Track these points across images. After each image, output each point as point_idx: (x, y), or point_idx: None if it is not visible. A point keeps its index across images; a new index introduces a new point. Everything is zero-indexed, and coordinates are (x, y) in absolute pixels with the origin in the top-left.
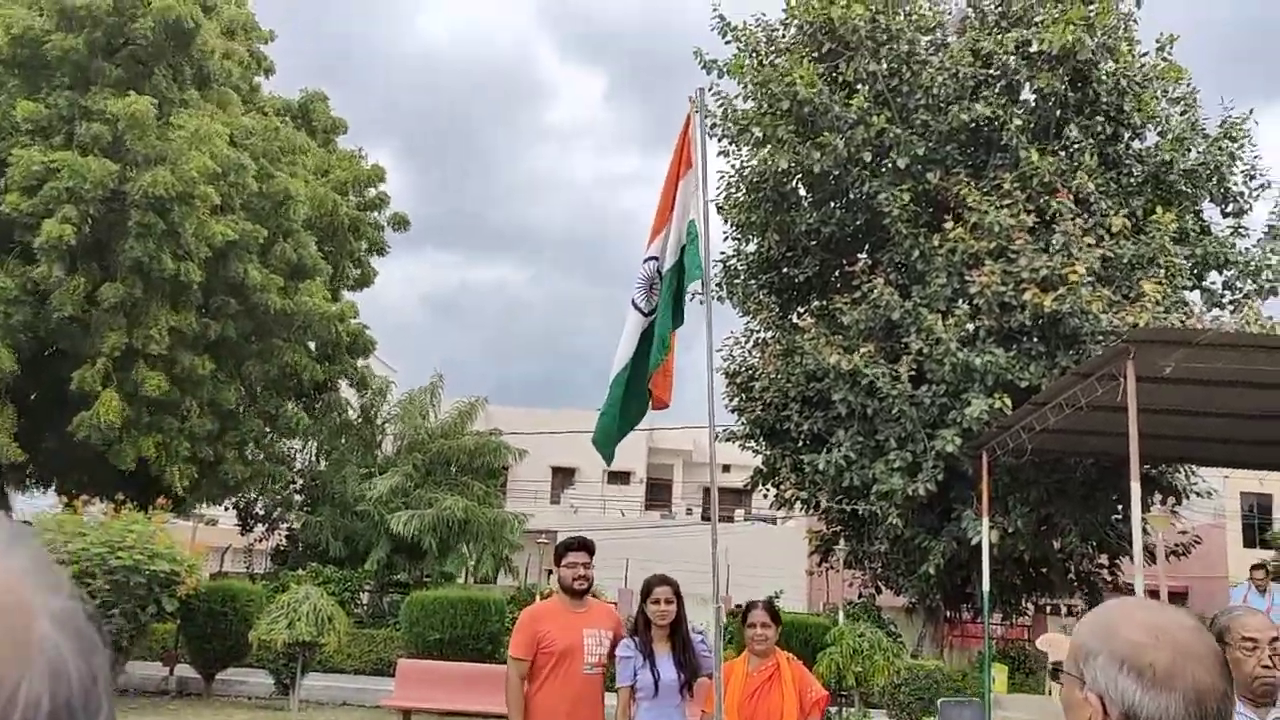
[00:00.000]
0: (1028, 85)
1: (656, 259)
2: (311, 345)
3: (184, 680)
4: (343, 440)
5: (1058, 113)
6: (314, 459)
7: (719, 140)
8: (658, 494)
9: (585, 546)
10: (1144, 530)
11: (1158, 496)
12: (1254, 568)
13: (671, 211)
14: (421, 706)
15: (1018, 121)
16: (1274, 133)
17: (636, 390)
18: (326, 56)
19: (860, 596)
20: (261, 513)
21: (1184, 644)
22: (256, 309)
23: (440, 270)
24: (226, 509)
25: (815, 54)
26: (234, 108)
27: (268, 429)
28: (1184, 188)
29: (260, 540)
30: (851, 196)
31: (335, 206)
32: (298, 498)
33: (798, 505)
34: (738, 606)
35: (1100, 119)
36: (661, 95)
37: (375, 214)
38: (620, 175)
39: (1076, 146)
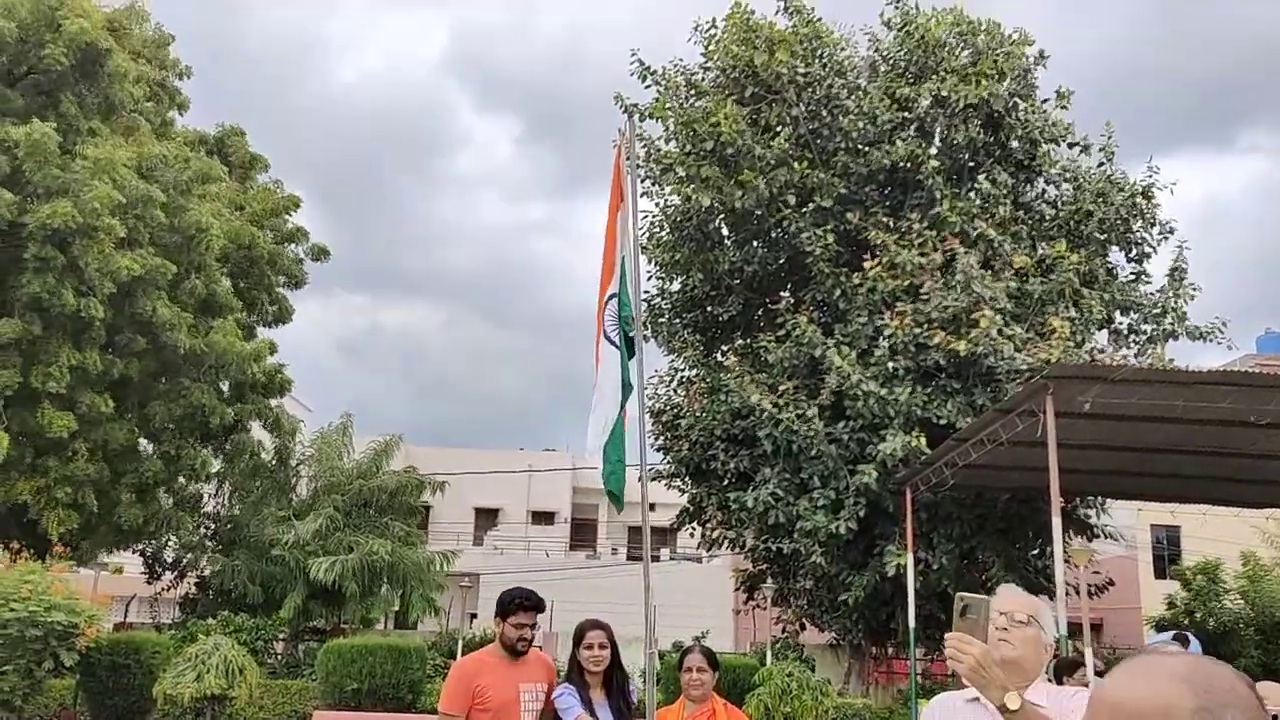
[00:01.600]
0: (941, 131)
1: (617, 296)
2: (225, 385)
3: None
4: (257, 483)
5: (967, 156)
6: (226, 502)
7: (643, 180)
8: (582, 534)
9: (537, 606)
10: (1066, 564)
11: (1072, 532)
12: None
13: (615, 247)
14: None
15: (933, 163)
16: (1196, 175)
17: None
18: (234, 102)
19: (784, 633)
20: (170, 559)
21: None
22: (165, 348)
23: (351, 314)
24: (135, 553)
25: (737, 97)
26: (142, 134)
27: (169, 471)
28: (1095, 234)
29: (168, 589)
30: (774, 236)
31: (253, 240)
32: (209, 543)
33: (724, 544)
34: (662, 651)
35: (1012, 167)
36: (575, 143)
37: (293, 246)
38: (531, 221)
39: (990, 195)
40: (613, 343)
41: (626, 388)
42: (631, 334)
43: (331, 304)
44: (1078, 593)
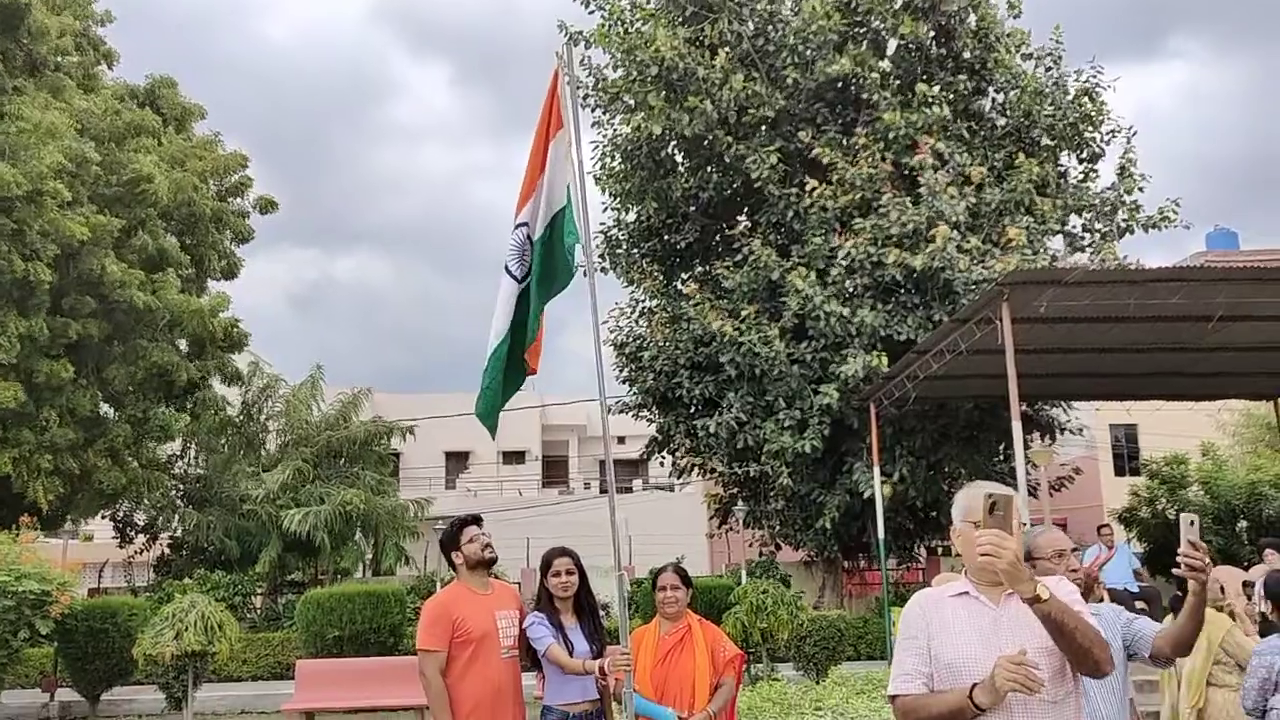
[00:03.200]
0: (892, 38)
1: (526, 225)
2: (182, 343)
3: (66, 705)
4: (224, 440)
5: (919, 68)
6: (194, 461)
7: (592, 110)
8: (554, 471)
9: (477, 520)
10: (1028, 466)
11: (1036, 434)
12: (1100, 527)
13: (541, 175)
14: (324, 707)
15: (875, 75)
16: (1125, 84)
17: (515, 359)
18: (162, 66)
19: (760, 555)
20: (142, 522)
21: None
22: (117, 307)
23: (301, 268)
24: (104, 518)
25: (680, 18)
26: (69, 93)
27: (137, 434)
28: (1045, 140)
29: (141, 552)
30: (726, 160)
31: (196, 194)
32: (180, 503)
33: (694, 471)
34: (639, 579)
35: (963, 75)
36: (515, 85)
37: (239, 200)
38: (475, 166)
39: (933, 102)
40: (510, 274)
41: (520, 326)
42: (578, 265)
43: (281, 260)
44: (1034, 494)
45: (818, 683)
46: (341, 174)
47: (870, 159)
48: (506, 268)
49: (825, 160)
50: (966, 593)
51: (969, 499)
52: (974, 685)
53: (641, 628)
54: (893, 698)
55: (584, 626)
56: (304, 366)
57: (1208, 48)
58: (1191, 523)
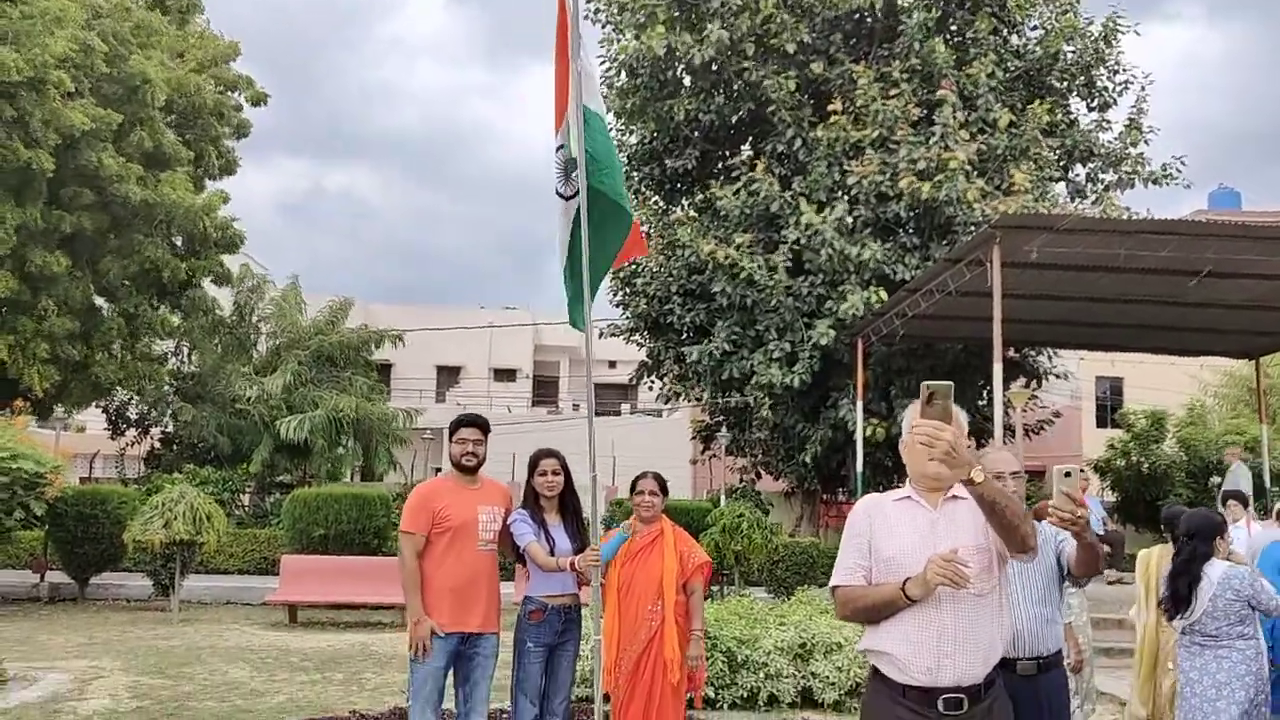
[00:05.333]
0: None
1: (564, 146)
2: (177, 240)
3: (56, 586)
4: (216, 340)
5: (954, 6)
6: (187, 359)
7: (601, 28)
8: (544, 390)
9: (477, 423)
10: (1006, 410)
11: (1021, 380)
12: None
13: (568, 97)
14: (307, 600)
15: (921, 15)
16: (1145, 36)
17: (582, 267)
18: None
19: (741, 482)
20: (134, 416)
21: None
22: (113, 201)
23: (292, 178)
24: (99, 407)
25: None
26: None
27: (131, 329)
28: (1055, 83)
29: (133, 445)
30: (735, 87)
31: (198, 89)
32: (172, 399)
33: (681, 397)
34: (620, 500)
35: (991, 18)
36: (508, 3)
37: (235, 94)
38: (471, 85)
39: (972, 38)
40: (560, 194)
41: (576, 234)
42: (576, 180)
43: (271, 168)
44: (1011, 435)
45: (785, 602)
46: (336, 87)
47: (899, 98)
48: (557, 191)
49: (859, 85)
50: (909, 497)
51: (914, 409)
52: (907, 579)
53: (616, 529)
54: (834, 588)
55: (567, 525)
56: (290, 270)
57: (1205, 7)
58: (1067, 474)
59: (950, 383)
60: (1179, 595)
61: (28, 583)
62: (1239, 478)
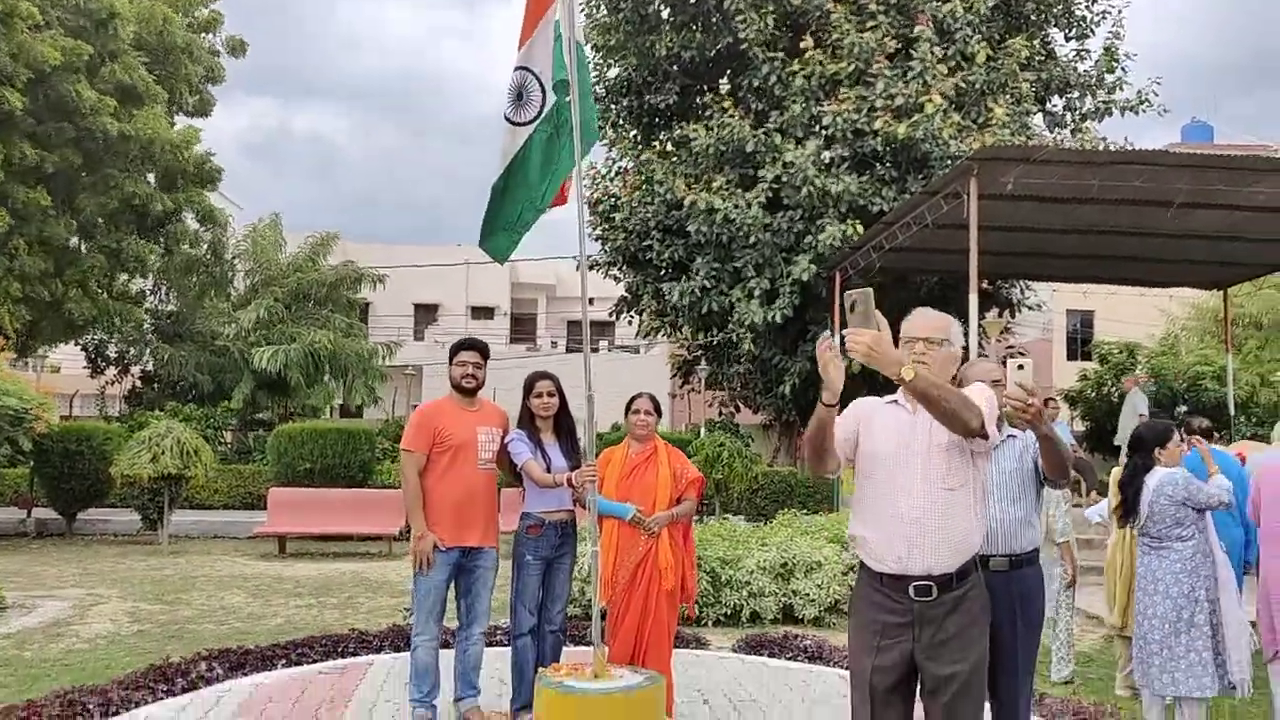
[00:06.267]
0: None
1: (525, 68)
2: (151, 177)
3: (43, 522)
4: (193, 278)
5: None
6: (164, 297)
7: None
8: (522, 327)
9: (477, 347)
10: (981, 341)
11: (995, 311)
12: (1047, 400)
13: (542, 18)
14: (295, 532)
15: None
16: None
17: (524, 194)
18: None
19: (720, 415)
20: (113, 355)
21: None
22: (89, 135)
23: (257, 117)
24: (78, 344)
25: None
26: None
27: (111, 266)
28: (1033, 15)
29: (112, 383)
30: (713, 20)
31: (166, 23)
32: (151, 338)
33: (660, 332)
34: (601, 433)
35: None
36: None
37: (209, 36)
38: (443, 27)
39: None
40: (509, 120)
41: (518, 160)
42: (528, 106)
43: (234, 107)
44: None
45: (767, 525)
46: (302, 24)
47: (876, 30)
48: (505, 115)
49: (832, 20)
50: (896, 401)
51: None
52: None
53: (612, 448)
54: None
55: (562, 444)
56: (265, 210)
57: None
58: (1020, 367)
59: (870, 289)
60: (1126, 504)
61: (15, 519)
62: (1137, 403)
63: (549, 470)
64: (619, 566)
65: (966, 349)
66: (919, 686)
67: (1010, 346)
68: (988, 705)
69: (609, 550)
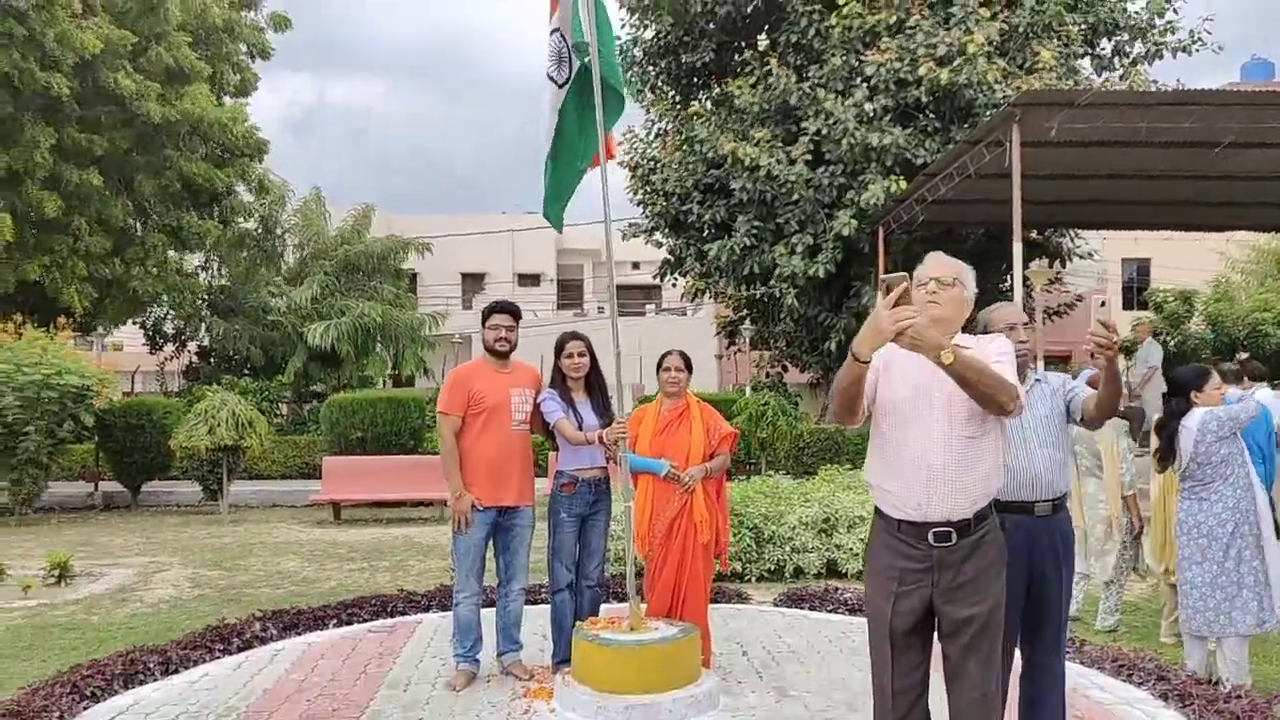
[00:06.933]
0: None
1: (559, 30)
2: (202, 152)
3: (109, 495)
4: (244, 253)
5: None
6: (216, 273)
7: None
8: (569, 293)
9: (509, 309)
10: (1028, 293)
11: (1043, 261)
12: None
13: None
14: (350, 498)
15: None
16: None
17: (569, 158)
18: None
19: (768, 376)
20: (170, 331)
21: None
22: (136, 119)
23: (295, 93)
24: (137, 324)
25: None
26: None
27: (171, 243)
28: None
29: (171, 359)
30: None
31: (205, 8)
32: (205, 313)
33: (704, 294)
34: (648, 396)
35: None
36: None
37: (250, 13)
38: None
39: None
40: (551, 79)
41: (564, 123)
42: (582, 61)
43: (273, 85)
44: (1031, 319)
45: (810, 481)
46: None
47: None
48: (548, 75)
49: None
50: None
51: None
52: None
53: (644, 405)
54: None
55: (594, 403)
56: (307, 185)
57: None
58: (1102, 304)
59: (904, 273)
60: (1163, 448)
61: (83, 492)
62: (1150, 354)
63: (580, 428)
64: (655, 522)
65: (1011, 297)
66: (937, 629)
67: (1058, 285)
68: (1018, 652)
69: (644, 506)
